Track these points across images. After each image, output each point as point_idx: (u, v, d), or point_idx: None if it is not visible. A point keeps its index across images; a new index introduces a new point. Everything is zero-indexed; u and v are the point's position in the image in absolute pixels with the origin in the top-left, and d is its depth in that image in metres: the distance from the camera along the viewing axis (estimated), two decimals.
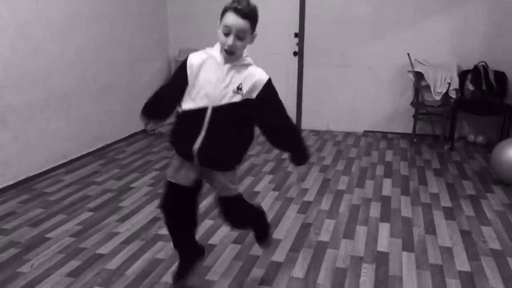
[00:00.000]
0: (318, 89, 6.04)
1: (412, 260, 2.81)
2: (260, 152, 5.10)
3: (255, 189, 3.96)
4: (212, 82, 2.07)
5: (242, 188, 3.99)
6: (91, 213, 3.44)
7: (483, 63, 5.21)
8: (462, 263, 2.77)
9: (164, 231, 3.14)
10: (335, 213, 3.50)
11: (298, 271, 2.68)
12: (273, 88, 2.14)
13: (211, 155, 2.12)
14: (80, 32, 4.62)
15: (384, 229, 3.23)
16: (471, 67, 5.27)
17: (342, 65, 5.87)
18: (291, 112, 6.26)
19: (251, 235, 3.11)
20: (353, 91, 5.92)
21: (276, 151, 5.15)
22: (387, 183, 4.14)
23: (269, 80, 2.13)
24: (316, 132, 6.02)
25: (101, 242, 3.00)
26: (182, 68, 2.16)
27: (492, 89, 5.12)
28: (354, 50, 5.79)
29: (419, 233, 3.16)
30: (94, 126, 4.96)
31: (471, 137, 5.47)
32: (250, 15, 1.97)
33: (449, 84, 5.19)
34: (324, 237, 3.11)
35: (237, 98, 2.06)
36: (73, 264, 2.72)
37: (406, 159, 4.86)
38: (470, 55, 5.37)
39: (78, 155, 4.72)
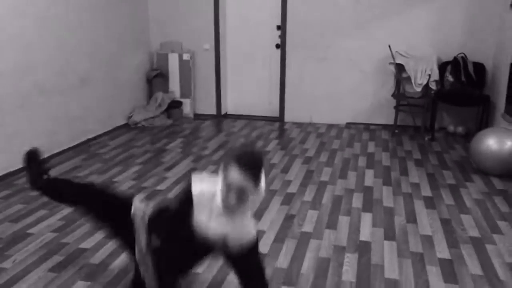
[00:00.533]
0: (300, 81, 6.06)
1: (393, 248, 2.86)
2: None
3: None
4: None
5: None
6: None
7: (462, 55, 5.29)
8: (442, 251, 2.83)
9: None
10: (318, 204, 3.53)
11: (282, 261, 2.71)
12: None
13: None
14: (58, 25, 4.55)
15: (367, 219, 3.28)
16: (450, 58, 5.35)
17: (324, 57, 5.90)
18: (274, 105, 6.28)
19: None
20: (336, 84, 5.96)
21: (258, 145, 5.16)
22: (369, 173, 4.19)
23: None
24: (299, 125, 6.04)
25: (83, 237, 2.98)
26: None
27: (471, 80, 5.21)
28: (336, 43, 5.82)
29: (400, 222, 3.21)
30: (75, 121, 4.89)
31: (451, 128, 5.56)
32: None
33: (429, 75, 5.26)
34: (308, 227, 3.14)
35: None
36: (56, 259, 2.70)
37: (388, 150, 4.92)
38: (450, 46, 5.45)
39: (59, 150, 4.66)
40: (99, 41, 5.21)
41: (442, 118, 5.69)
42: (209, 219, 1.93)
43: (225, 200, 1.84)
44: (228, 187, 1.80)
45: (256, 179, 1.81)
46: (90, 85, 5.11)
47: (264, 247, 2.86)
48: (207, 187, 1.94)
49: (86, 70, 5.03)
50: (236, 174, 1.77)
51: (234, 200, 1.81)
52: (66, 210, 3.36)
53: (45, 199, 3.54)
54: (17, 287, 2.42)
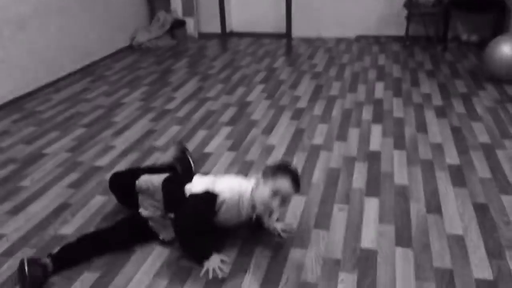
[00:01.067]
0: None
1: (403, 157, 2.88)
2: (251, 62, 5.02)
3: (248, 99, 3.95)
4: None
5: (235, 98, 3.98)
6: (84, 129, 3.44)
7: None
8: (451, 157, 2.85)
9: (159, 142, 3.19)
10: (328, 117, 3.52)
11: None
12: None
13: None
14: None
15: (376, 130, 3.28)
16: None
17: None
18: (281, 20, 6.06)
19: (245, 143, 3.16)
20: None
21: (266, 62, 5.06)
22: (379, 86, 4.12)
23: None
24: (307, 40, 5.88)
25: (97, 155, 3.03)
26: None
27: None
28: None
29: (410, 132, 3.21)
30: (77, 43, 4.79)
31: (465, 36, 5.38)
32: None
33: None
34: (318, 140, 3.15)
35: None
36: (73, 176, 2.77)
37: (399, 62, 4.81)
38: None
39: (65, 73, 4.62)
40: None
41: (455, 27, 5.48)
42: (236, 218, 2.06)
43: (267, 204, 1.94)
44: (275, 193, 1.91)
45: (297, 191, 1.98)
46: (91, 6, 4.93)
47: (274, 160, 2.90)
48: (233, 192, 2.02)
49: None
50: (287, 183, 1.92)
51: (278, 204, 1.93)
52: (79, 131, 3.40)
53: (57, 121, 3.58)
54: (38, 201, 2.51)
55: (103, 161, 2.95)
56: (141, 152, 3.06)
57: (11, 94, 3.97)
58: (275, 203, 1.92)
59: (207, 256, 1.97)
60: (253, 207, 2.00)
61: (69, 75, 4.66)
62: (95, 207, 2.45)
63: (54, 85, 4.42)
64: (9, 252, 2.12)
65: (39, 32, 4.23)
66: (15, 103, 3.96)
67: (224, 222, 2.08)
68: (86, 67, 4.91)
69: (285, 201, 1.96)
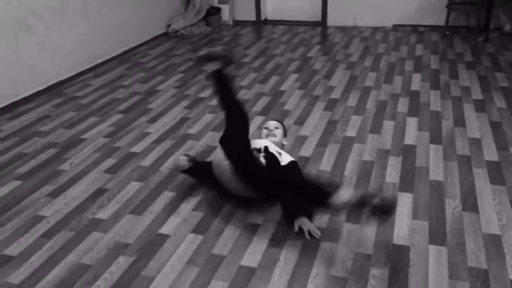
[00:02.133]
0: None
1: (439, 152, 2.82)
2: (285, 51, 4.99)
3: (281, 88, 3.94)
4: None
5: (268, 87, 3.98)
6: (121, 115, 3.52)
7: None
8: (490, 154, 2.77)
9: (193, 130, 3.23)
10: (362, 109, 3.48)
11: (325, 164, 2.74)
12: None
13: None
14: None
15: (412, 123, 3.21)
16: None
17: None
18: (316, 8, 5.98)
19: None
20: None
21: (300, 51, 5.02)
22: (416, 78, 4.03)
23: None
24: (342, 29, 5.78)
25: (133, 141, 3.10)
26: None
27: None
28: None
29: (448, 126, 3.14)
30: (115, 30, 4.88)
31: (507, 27, 5.17)
32: None
33: None
34: (351, 132, 3.12)
35: None
36: (110, 162, 2.85)
37: (437, 53, 4.67)
38: None
39: (103, 59, 4.72)
40: None
41: (498, 17, 5.27)
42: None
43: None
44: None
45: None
46: None
47: (306, 151, 2.90)
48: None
49: None
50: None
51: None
52: (116, 117, 3.48)
53: (95, 106, 3.68)
54: (76, 185, 2.61)
55: (138, 148, 3.02)
56: (175, 139, 3.11)
57: (53, 79, 4.10)
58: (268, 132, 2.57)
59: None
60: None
61: (107, 61, 4.76)
62: (130, 193, 2.52)
63: (93, 70, 4.53)
64: (49, 234, 2.22)
65: (79, 18, 4.33)
66: (57, 88, 4.09)
67: None
68: (123, 54, 5.01)
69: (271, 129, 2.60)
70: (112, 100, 3.81)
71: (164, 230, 2.22)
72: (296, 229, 2.16)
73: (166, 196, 2.49)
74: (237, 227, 2.21)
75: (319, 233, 2.13)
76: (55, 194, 2.54)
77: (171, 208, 2.38)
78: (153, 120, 3.42)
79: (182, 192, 2.52)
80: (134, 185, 2.59)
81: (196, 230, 2.20)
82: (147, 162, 2.84)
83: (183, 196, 2.48)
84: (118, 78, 4.34)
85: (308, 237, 2.11)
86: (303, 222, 2.16)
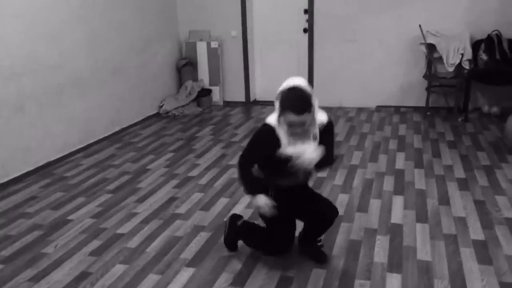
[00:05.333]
0: (329, 65, 6.00)
1: (426, 230, 2.84)
2: None
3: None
4: None
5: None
6: (110, 195, 3.53)
7: (497, 32, 5.12)
8: (476, 232, 2.79)
9: (181, 210, 3.23)
10: (349, 187, 3.53)
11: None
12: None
13: None
14: (91, 18, 4.66)
15: (398, 201, 3.26)
16: (484, 36, 5.18)
17: (352, 39, 5.81)
18: None
19: None
20: (365, 66, 5.87)
21: None
22: (400, 156, 4.14)
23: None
24: (328, 109, 5.97)
25: (121, 222, 3.09)
26: None
27: (506, 57, 5.04)
28: (365, 24, 5.73)
29: (433, 205, 3.18)
30: (108, 111, 5.03)
31: (486, 108, 5.41)
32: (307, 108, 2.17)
33: (462, 54, 5.12)
34: (339, 211, 3.13)
35: None
36: (95, 243, 2.81)
37: (420, 133, 4.84)
38: (483, 24, 5.26)
39: (95, 139, 4.81)
40: (129, 32, 5.31)
41: (476, 98, 5.54)
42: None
43: (290, 132, 2.22)
44: (291, 124, 2.17)
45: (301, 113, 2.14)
46: (122, 76, 5.23)
47: (297, 230, 2.89)
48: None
49: (118, 61, 5.15)
50: (294, 117, 2.14)
51: (300, 131, 2.20)
52: (104, 197, 3.49)
53: (84, 186, 3.70)
54: (59, 270, 2.55)
55: (125, 228, 3.00)
56: (163, 219, 3.10)
57: (43, 159, 4.14)
58: (298, 130, 2.18)
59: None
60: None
61: (99, 141, 4.85)
62: (114, 276, 2.47)
63: (84, 150, 4.60)
64: None
65: (74, 100, 4.48)
66: (46, 168, 4.12)
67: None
68: (115, 134, 5.11)
69: (300, 125, 2.17)
70: (101, 180, 3.84)
71: None
72: None
73: (152, 279, 2.44)
74: None
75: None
76: (37, 278, 2.48)
77: None
78: (141, 200, 3.43)
79: (168, 275, 2.47)
80: (119, 268, 2.55)
81: None
82: (133, 243, 2.81)
83: (169, 279, 2.44)
84: (109, 157, 4.40)
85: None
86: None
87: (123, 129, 5.27)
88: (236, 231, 2.66)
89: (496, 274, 2.37)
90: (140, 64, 5.55)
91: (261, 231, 2.63)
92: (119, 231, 2.97)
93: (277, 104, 2.22)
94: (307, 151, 2.24)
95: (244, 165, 2.41)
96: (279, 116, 2.20)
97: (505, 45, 5.05)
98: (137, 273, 2.49)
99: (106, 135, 4.99)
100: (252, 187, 2.39)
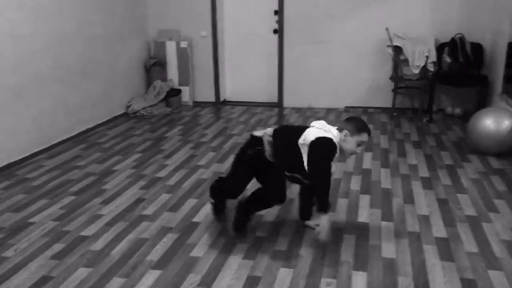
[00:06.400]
0: (299, 66, 6.05)
1: (391, 229, 2.89)
2: (243, 130, 5.13)
3: None
4: None
5: (225, 166, 4.03)
6: (73, 197, 3.44)
7: (460, 35, 5.27)
8: (438, 230, 2.86)
9: (148, 211, 3.18)
10: None
11: (281, 243, 2.74)
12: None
13: None
14: (55, 15, 4.54)
15: (365, 200, 3.30)
16: (448, 39, 5.33)
17: (322, 41, 5.88)
18: (273, 90, 6.28)
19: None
20: (334, 68, 5.94)
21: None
22: (367, 156, 4.20)
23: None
24: (298, 110, 6.05)
25: (84, 224, 3.02)
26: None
27: (469, 60, 5.19)
28: (334, 26, 5.80)
29: (398, 203, 3.24)
30: (73, 110, 4.91)
31: (449, 109, 5.57)
32: None
33: (427, 57, 5.25)
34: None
35: None
36: (57, 247, 2.74)
37: (386, 133, 4.93)
38: (447, 27, 5.42)
39: (59, 140, 4.69)
40: (97, 30, 5.20)
41: (440, 100, 5.69)
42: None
43: (354, 151, 2.70)
44: (359, 144, 2.66)
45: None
46: (88, 75, 5.12)
47: (263, 232, 2.89)
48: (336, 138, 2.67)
49: (84, 60, 5.03)
50: (367, 136, 2.67)
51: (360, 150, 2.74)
52: (67, 199, 3.40)
53: (46, 188, 3.60)
54: (19, 275, 2.46)
55: (89, 231, 2.93)
56: (129, 221, 3.05)
57: (4, 161, 4.00)
58: (359, 149, 2.69)
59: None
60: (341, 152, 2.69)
61: (63, 141, 4.73)
62: (77, 280, 2.41)
63: (47, 151, 4.47)
64: None
65: (35, 99, 4.35)
66: (7, 170, 3.99)
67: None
68: (80, 134, 5.00)
69: (363, 146, 2.71)
70: (65, 182, 3.74)
71: None
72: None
73: (116, 282, 2.39)
74: None
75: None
76: None
77: None
78: (107, 202, 3.35)
79: (133, 278, 2.43)
80: (82, 272, 2.48)
81: None
82: (97, 246, 2.75)
83: (134, 282, 2.39)
84: (73, 158, 4.29)
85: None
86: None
87: (89, 129, 5.15)
88: (244, 212, 2.85)
89: (458, 271, 2.43)
90: (107, 63, 5.44)
91: (259, 199, 2.84)
92: (83, 233, 2.90)
93: (346, 126, 2.66)
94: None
95: (327, 177, 2.62)
96: (353, 135, 2.62)
97: (468, 48, 5.21)
98: (101, 276, 2.44)
99: (71, 135, 4.86)
100: (327, 202, 2.61)
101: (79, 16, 4.90)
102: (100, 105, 5.36)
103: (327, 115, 5.75)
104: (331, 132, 2.63)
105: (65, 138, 4.78)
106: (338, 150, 2.63)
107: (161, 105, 6.05)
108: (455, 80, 5.26)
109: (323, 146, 2.57)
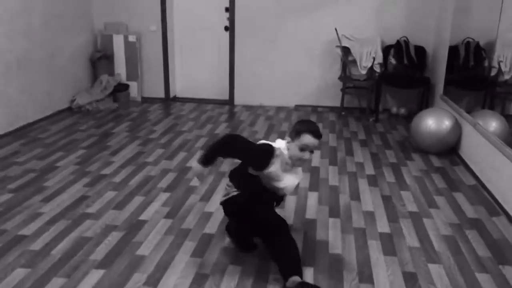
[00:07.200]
0: (250, 64, 6.05)
1: (338, 225, 2.95)
2: (193, 127, 5.07)
3: (187, 165, 3.94)
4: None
5: (174, 163, 3.96)
6: (11, 194, 3.26)
7: (405, 38, 5.47)
8: (382, 226, 2.95)
9: (92, 209, 3.07)
10: None
11: (229, 241, 2.72)
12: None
13: None
14: None
15: (313, 197, 3.35)
16: (394, 42, 5.52)
17: (273, 40, 5.91)
18: (224, 88, 6.24)
19: (182, 210, 3.12)
20: (284, 66, 5.99)
21: (208, 128, 5.13)
22: (316, 154, 4.27)
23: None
24: (248, 107, 6.06)
25: (23, 223, 2.86)
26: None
27: (413, 63, 5.41)
28: (284, 25, 5.85)
29: (345, 200, 3.32)
30: (12, 104, 4.65)
31: (394, 109, 5.77)
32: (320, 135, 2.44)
33: (374, 58, 5.41)
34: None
35: None
36: None
37: (335, 131, 5.04)
38: (393, 30, 5.60)
39: None
40: (36, 20, 4.95)
41: (386, 100, 5.88)
42: (279, 169, 2.41)
43: (301, 157, 2.40)
44: (303, 148, 2.37)
45: (319, 139, 2.43)
46: (27, 67, 4.86)
47: (212, 228, 2.87)
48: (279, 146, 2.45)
49: (23, 51, 4.77)
50: (310, 138, 2.37)
51: (309, 155, 2.40)
52: (5, 197, 3.21)
53: None
54: None
55: (28, 230, 2.78)
56: (71, 220, 2.92)
57: None
58: (306, 155, 2.39)
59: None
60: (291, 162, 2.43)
61: (0, 137, 4.47)
62: (14, 281, 2.28)
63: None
64: None
65: None
66: None
67: (270, 177, 2.41)
68: (20, 129, 4.74)
69: (312, 150, 2.42)
70: (2, 178, 3.53)
71: None
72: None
73: (56, 283, 2.28)
74: None
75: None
76: None
77: None
78: (47, 199, 3.20)
79: (75, 278, 2.33)
80: (20, 272, 2.35)
81: None
82: (37, 245, 2.61)
83: (76, 282, 2.29)
84: (12, 154, 4.07)
85: None
86: None
87: (29, 124, 4.90)
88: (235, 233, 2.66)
89: (400, 264, 2.52)
90: (48, 55, 5.19)
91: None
92: (21, 232, 2.75)
93: (289, 135, 2.44)
94: (291, 181, 2.48)
95: (227, 144, 2.47)
96: (293, 140, 2.40)
97: (412, 51, 5.42)
98: (40, 277, 2.32)
99: (9, 130, 4.60)
100: (210, 158, 2.47)
101: (15, 3, 4.63)
102: (41, 99, 5.11)
103: (277, 113, 5.79)
104: (276, 143, 2.48)
105: (2, 133, 4.51)
106: (282, 158, 2.40)
107: (107, 100, 5.86)
108: (400, 81, 5.46)
109: (257, 145, 2.47)
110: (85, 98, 5.65)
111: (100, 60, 5.97)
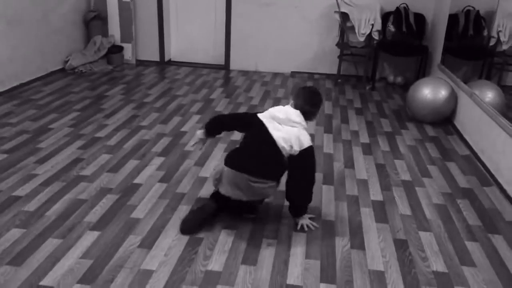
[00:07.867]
0: (246, 28, 5.94)
1: (331, 192, 2.98)
2: (188, 92, 5.02)
3: (182, 129, 3.93)
4: None
5: (169, 128, 3.94)
6: (5, 155, 3.24)
7: (405, 5, 5.38)
8: (375, 193, 2.98)
9: (87, 172, 3.07)
10: None
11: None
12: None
13: None
14: None
15: None
16: (393, 8, 5.42)
17: (270, 3, 5.78)
18: (220, 52, 6.15)
19: (177, 175, 3.13)
20: (281, 31, 5.89)
21: (203, 93, 5.09)
22: (312, 122, 4.25)
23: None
24: (244, 73, 5.99)
25: (17, 184, 2.86)
26: None
27: (412, 31, 5.33)
28: None
29: (339, 168, 3.33)
30: (4, 64, 4.56)
31: (391, 78, 5.73)
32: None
33: (372, 25, 5.33)
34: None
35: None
36: None
37: (331, 99, 5.02)
38: None
39: None
40: None
41: (383, 68, 5.83)
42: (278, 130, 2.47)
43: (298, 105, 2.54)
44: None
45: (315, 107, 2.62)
46: (19, 27, 4.74)
47: (206, 192, 2.88)
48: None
49: (14, 11, 4.64)
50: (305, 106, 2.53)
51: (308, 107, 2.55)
52: None
53: None
54: None
55: (23, 191, 2.78)
56: (65, 181, 2.92)
57: None
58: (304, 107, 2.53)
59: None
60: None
61: None
62: (9, 241, 2.29)
63: None
64: None
65: None
66: None
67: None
68: (12, 89, 4.67)
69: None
70: None
71: (46, 281, 2.04)
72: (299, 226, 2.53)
73: (51, 243, 2.30)
74: (130, 273, 2.11)
75: (316, 225, 2.55)
76: None
77: (56, 257, 2.20)
78: (42, 161, 3.19)
79: (69, 239, 2.35)
80: (14, 233, 2.37)
81: (83, 280, 2.05)
82: (32, 206, 2.62)
83: (70, 243, 2.32)
84: (5, 115, 4.02)
85: (306, 229, 2.51)
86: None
87: (22, 85, 4.82)
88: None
89: (391, 232, 2.56)
90: (40, 15, 5.05)
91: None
92: (16, 193, 2.75)
93: (303, 108, 2.56)
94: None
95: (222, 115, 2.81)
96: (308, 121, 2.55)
97: (412, 18, 5.34)
98: (35, 237, 2.34)
99: (1, 90, 4.54)
100: (211, 127, 2.73)
101: None
102: (33, 59, 5.01)
103: (273, 79, 5.74)
104: (302, 124, 2.51)
105: None
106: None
107: (101, 62, 5.76)
108: (397, 49, 5.40)
109: (312, 156, 2.49)
110: (78, 59, 5.55)
111: (93, 20, 5.83)
